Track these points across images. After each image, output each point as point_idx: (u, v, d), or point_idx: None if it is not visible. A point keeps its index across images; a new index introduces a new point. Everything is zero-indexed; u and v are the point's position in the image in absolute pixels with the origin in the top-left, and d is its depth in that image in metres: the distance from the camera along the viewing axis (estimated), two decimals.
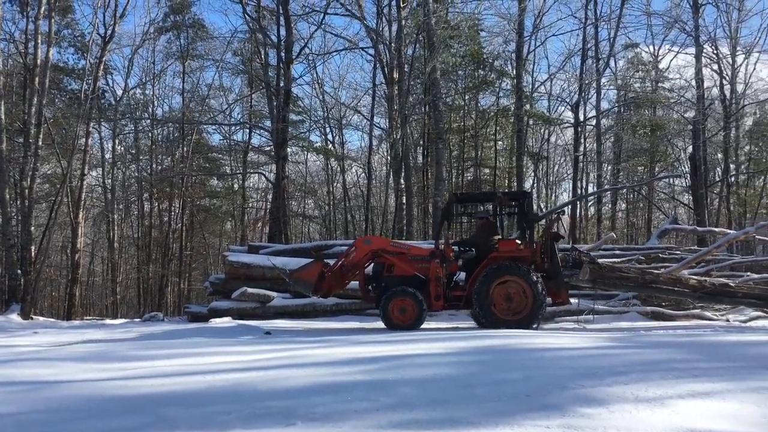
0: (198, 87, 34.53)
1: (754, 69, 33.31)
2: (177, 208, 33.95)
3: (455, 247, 12.19)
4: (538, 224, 12.98)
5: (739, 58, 32.56)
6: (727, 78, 31.96)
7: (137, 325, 15.18)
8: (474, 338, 8.41)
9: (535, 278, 11.10)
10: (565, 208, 28.92)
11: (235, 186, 36.66)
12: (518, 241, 11.78)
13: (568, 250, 12.98)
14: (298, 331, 11.98)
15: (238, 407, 4.54)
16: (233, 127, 34.68)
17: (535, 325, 11.13)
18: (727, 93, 32.05)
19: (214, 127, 34.70)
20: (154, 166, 35.18)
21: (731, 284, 12.29)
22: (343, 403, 4.67)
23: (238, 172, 35.10)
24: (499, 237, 12.02)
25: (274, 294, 15.34)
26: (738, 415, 4.20)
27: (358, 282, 12.65)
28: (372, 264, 12.19)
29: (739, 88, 32.95)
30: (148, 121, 34.25)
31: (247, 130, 34.08)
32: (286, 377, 5.69)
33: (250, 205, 38.51)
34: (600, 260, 12.75)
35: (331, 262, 12.73)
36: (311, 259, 12.69)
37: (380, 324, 12.97)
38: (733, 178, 33.57)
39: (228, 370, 6.14)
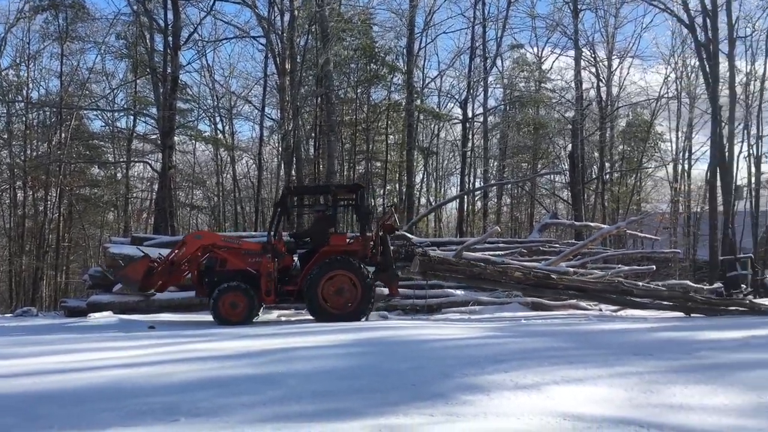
0: (78, 70, 32.68)
1: (628, 73, 35.50)
2: (54, 197, 32.06)
3: (291, 241, 12.24)
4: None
5: (615, 63, 34.58)
6: (604, 81, 33.84)
7: (8, 321, 14.24)
8: (362, 330, 8.50)
9: (365, 272, 11.26)
10: (452, 202, 29.71)
11: (119, 175, 35.06)
12: (349, 235, 12.00)
13: (403, 242, 13.20)
14: (183, 325, 11.66)
15: (119, 405, 4.39)
16: (116, 114, 33.14)
17: (364, 318, 11.30)
18: (604, 95, 33.94)
19: (95, 112, 33.03)
20: (28, 152, 33.05)
21: (554, 277, 12.87)
22: (229, 396, 4.61)
23: (121, 160, 33.61)
24: (334, 230, 12.16)
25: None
26: (607, 399, 4.47)
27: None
28: (206, 259, 11.98)
29: (614, 90, 34.99)
30: (22, 104, 32.07)
31: (132, 117, 32.72)
32: (170, 373, 5.54)
33: (135, 195, 37.00)
34: (433, 253, 13.05)
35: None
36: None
37: (267, 317, 12.87)
38: (607, 176, 35.55)
39: (108, 366, 5.91)
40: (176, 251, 12.01)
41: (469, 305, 14.49)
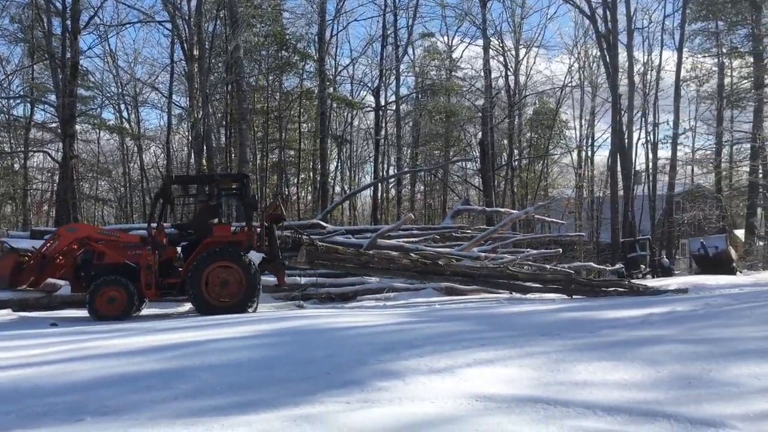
0: None
1: (534, 62, 36.61)
2: None
3: (175, 232, 12.03)
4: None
5: (522, 52, 35.54)
6: (512, 70, 34.75)
7: None
8: (277, 320, 8.42)
9: (249, 263, 11.12)
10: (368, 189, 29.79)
11: (16, 166, 33.21)
12: (234, 225, 11.89)
13: (292, 231, 13.11)
14: (88, 321, 11.19)
15: (18, 406, 4.19)
16: (12, 101, 31.33)
17: (250, 309, 11.15)
18: (512, 84, 34.86)
19: None
20: None
21: (440, 263, 13.23)
22: (138, 393, 4.47)
23: (18, 150, 31.85)
24: (218, 221, 11.95)
25: (61, 282, 14.14)
26: (517, 378, 4.63)
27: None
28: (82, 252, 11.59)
29: (522, 79, 36.00)
30: None
31: (29, 105, 31.02)
32: (73, 371, 5.31)
33: (34, 186, 35.17)
34: (320, 242, 13.06)
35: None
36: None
37: (181, 308, 12.56)
38: (516, 163, 36.57)
39: (6, 366, 5.61)
40: (48, 244, 11.54)
41: (384, 292, 14.61)
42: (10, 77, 30.29)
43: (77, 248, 11.52)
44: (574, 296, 12.98)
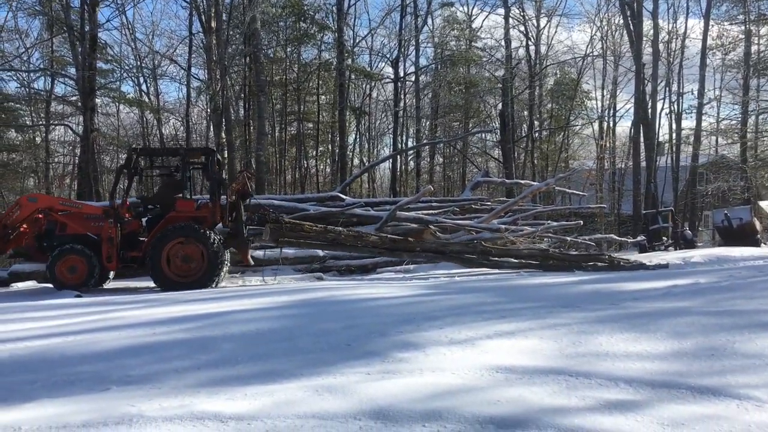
0: None
1: (555, 32, 36.02)
2: None
3: (140, 205, 11.96)
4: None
5: (543, 22, 34.98)
6: (533, 39, 34.23)
7: None
8: (297, 292, 8.46)
9: (212, 239, 11.04)
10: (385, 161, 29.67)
11: (38, 139, 33.50)
12: (197, 199, 11.75)
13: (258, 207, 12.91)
14: (113, 292, 11.36)
15: (45, 375, 4.26)
16: (32, 74, 31.46)
17: (213, 285, 11.10)
18: (533, 54, 34.36)
19: (9, 73, 31.26)
20: None
21: (410, 239, 13.14)
22: (162, 363, 4.54)
23: (39, 123, 32.08)
24: (182, 195, 11.78)
25: None
26: (538, 350, 4.62)
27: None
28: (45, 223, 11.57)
29: (543, 49, 35.47)
30: None
31: (49, 78, 31.13)
32: (99, 341, 5.39)
33: (56, 159, 35.48)
34: (288, 218, 12.80)
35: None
36: None
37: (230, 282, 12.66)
38: (537, 134, 36.23)
39: (33, 336, 5.71)
40: (9, 214, 11.62)
41: (403, 264, 14.61)
42: (29, 51, 30.43)
43: (42, 218, 11.51)
44: (550, 271, 12.64)
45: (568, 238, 16.91)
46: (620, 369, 4.09)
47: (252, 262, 12.51)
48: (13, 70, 29.84)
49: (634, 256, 15.60)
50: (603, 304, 6.64)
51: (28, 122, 32.92)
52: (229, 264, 12.10)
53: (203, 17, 23.29)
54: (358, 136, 37.06)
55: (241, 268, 13.50)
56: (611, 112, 38.17)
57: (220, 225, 11.80)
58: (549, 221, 17.30)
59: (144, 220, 11.77)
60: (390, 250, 12.96)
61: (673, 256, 14.18)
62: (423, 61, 34.52)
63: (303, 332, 5.44)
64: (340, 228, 12.85)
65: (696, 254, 14.13)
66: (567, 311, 6.15)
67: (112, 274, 12.13)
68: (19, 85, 33.13)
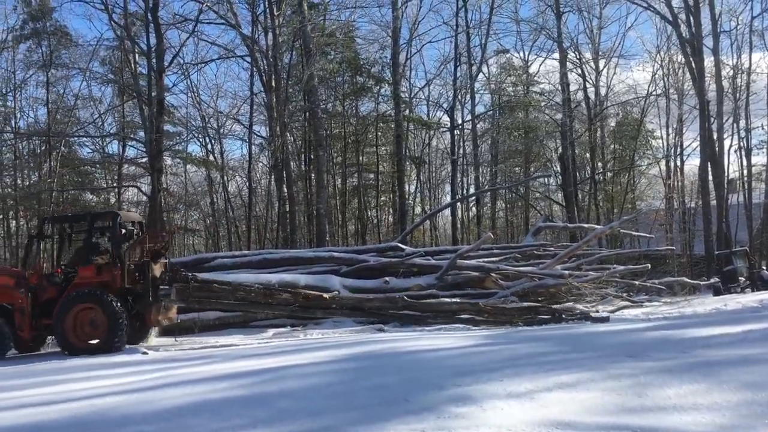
0: (64, 97, 32.57)
1: (615, 72, 35.55)
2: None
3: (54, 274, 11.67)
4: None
5: (601, 63, 34.69)
6: (591, 81, 33.94)
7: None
8: (355, 345, 8.44)
9: (113, 304, 10.77)
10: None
11: (112, 200, 34.94)
12: (99, 263, 11.40)
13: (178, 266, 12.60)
14: (177, 348, 11.55)
15: None
16: (105, 139, 33.06)
17: (119, 349, 10.77)
18: (592, 96, 34.01)
19: (84, 139, 32.94)
20: (19, 182, 32.91)
21: (325, 296, 12.49)
22: (221, 421, 4.57)
23: (113, 185, 33.48)
24: (96, 260, 11.50)
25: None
26: (600, 404, 4.43)
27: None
28: None
29: (602, 90, 35.08)
30: (11, 134, 31.94)
31: (121, 142, 32.58)
32: (160, 399, 5.48)
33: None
34: (197, 278, 12.22)
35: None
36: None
37: (263, 335, 12.74)
38: (600, 176, 35.58)
39: (97, 395, 5.84)
40: None
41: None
42: (102, 116, 32.01)
43: None
44: (481, 326, 11.83)
45: (637, 282, 16.39)
46: (688, 424, 3.88)
47: (160, 324, 12.03)
48: (88, 136, 31.44)
49: (709, 300, 14.99)
50: (671, 352, 6.36)
51: (102, 184, 34.45)
52: (161, 322, 11.87)
53: (264, 77, 24.08)
54: (418, 185, 37.19)
55: (302, 321, 13.50)
56: (678, 150, 37.21)
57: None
58: (615, 265, 16.82)
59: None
60: (303, 308, 12.45)
61: (749, 299, 13.54)
62: (480, 109, 34.62)
63: (359, 386, 5.39)
64: (252, 285, 12.42)
65: None
66: (632, 361, 5.93)
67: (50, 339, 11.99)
68: (93, 150, 34.84)
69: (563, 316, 12.19)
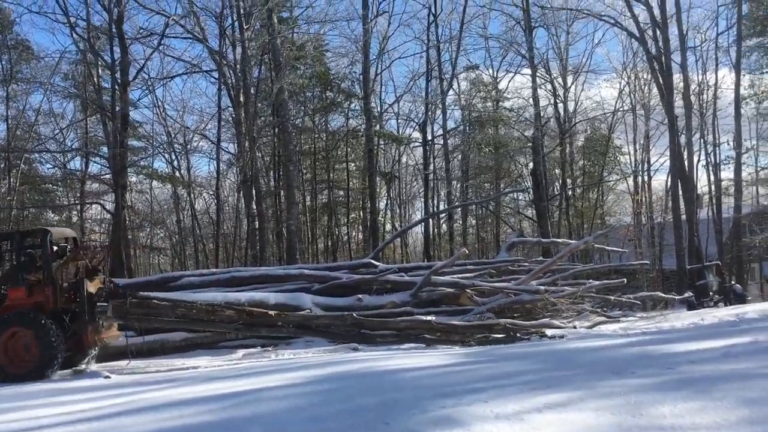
0: (24, 113, 31.69)
1: (583, 89, 35.94)
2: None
3: None
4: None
5: (570, 79, 35.02)
6: (561, 98, 34.21)
7: None
8: (332, 365, 8.12)
9: (46, 326, 10.29)
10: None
11: (74, 218, 34.07)
12: (31, 283, 10.95)
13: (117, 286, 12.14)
14: (144, 371, 11.08)
15: None
16: (67, 155, 32.26)
17: (49, 374, 10.26)
18: (561, 111, 34.28)
19: (45, 155, 32.10)
20: None
21: (271, 314, 11.91)
22: None
23: (75, 202, 32.67)
24: (28, 279, 11.00)
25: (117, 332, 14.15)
26: (595, 425, 4.19)
27: None
28: None
29: (571, 106, 35.40)
30: None
31: (83, 158, 31.84)
32: (124, 426, 5.13)
33: (92, 238, 35.95)
34: (145, 294, 11.84)
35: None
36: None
37: (232, 356, 12.36)
38: (570, 191, 35.80)
39: (57, 424, 5.48)
40: None
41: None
42: (64, 132, 31.20)
43: None
44: (434, 345, 11.47)
45: (612, 298, 16.32)
46: None
47: (100, 343, 11.38)
48: (48, 152, 30.62)
49: (684, 314, 14.95)
50: (657, 368, 6.16)
51: (64, 202, 33.60)
52: (100, 342, 11.24)
53: (232, 92, 23.74)
54: (389, 202, 37.05)
55: (273, 341, 13.11)
56: (645, 166, 37.66)
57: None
58: (590, 280, 16.72)
59: None
60: (247, 326, 11.88)
61: (725, 313, 13.48)
62: (451, 124, 34.69)
63: (336, 410, 5.10)
64: (194, 301, 11.92)
65: (749, 310, 13.43)
66: (620, 378, 5.71)
67: None
68: (54, 166, 33.96)
69: (518, 335, 11.77)
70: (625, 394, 4.94)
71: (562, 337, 11.74)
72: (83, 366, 10.86)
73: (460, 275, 15.29)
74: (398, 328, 11.95)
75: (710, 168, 33.97)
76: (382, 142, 33.66)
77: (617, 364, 6.56)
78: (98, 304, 10.86)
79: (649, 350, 7.83)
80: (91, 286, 10.99)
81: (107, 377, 9.99)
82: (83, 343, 11.00)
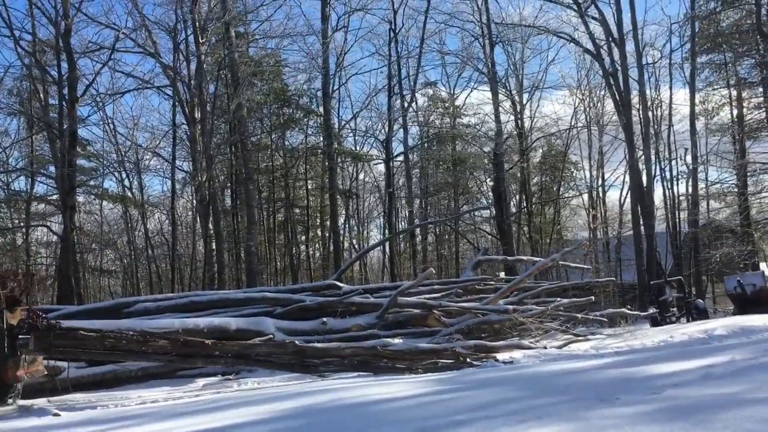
0: None
1: (539, 105, 36.27)
2: None
3: None
4: None
5: (525, 96, 35.30)
6: (518, 114, 34.42)
7: None
8: (300, 396, 7.63)
9: None
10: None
11: (18, 240, 32.67)
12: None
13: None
14: (97, 406, 10.38)
15: None
16: (11, 175, 31.00)
17: None
18: (519, 128, 34.50)
19: None
20: None
21: (207, 342, 11.21)
22: None
23: (19, 225, 31.35)
24: None
25: (64, 364, 13.26)
26: None
27: None
28: None
29: (527, 123, 35.65)
30: None
31: (29, 178, 30.64)
32: None
33: (38, 261, 34.55)
34: (69, 324, 11.08)
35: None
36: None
37: (192, 386, 11.77)
38: (532, 207, 35.97)
39: None
40: None
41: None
42: (7, 151, 30.01)
43: None
44: (381, 374, 10.93)
45: (579, 315, 16.17)
46: None
47: (20, 380, 10.46)
48: None
49: (651, 331, 14.85)
50: (641, 393, 5.90)
51: (8, 224, 32.21)
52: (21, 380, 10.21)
53: (186, 108, 23.14)
54: (347, 219, 36.65)
55: (234, 369, 12.48)
56: (600, 181, 38.13)
57: None
58: (558, 298, 16.56)
59: None
60: (183, 356, 11.12)
61: (694, 329, 13.39)
62: (412, 141, 34.61)
63: None
64: (123, 331, 11.20)
65: (717, 325, 13.38)
66: (607, 406, 5.43)
67: None
68: None
69: (467, 360, 11.24)
70: (620, 426, 4.65)
71: (511, 362, 11.29)
72: (10, 401, 10.05)
73: (427, 296, 14.94)
74: (342, 355, 11.28)
75: (665, 183, 34.51)
76: (340, 160, 33.34)
77: (600, 390, 6.31)
78: (19, 336, 9.90)
79: (628, 373, 7.61)
80: (11, 318, 10.05)
81: (56, 415, 9.28)
82: (3, 380, 10.05)
